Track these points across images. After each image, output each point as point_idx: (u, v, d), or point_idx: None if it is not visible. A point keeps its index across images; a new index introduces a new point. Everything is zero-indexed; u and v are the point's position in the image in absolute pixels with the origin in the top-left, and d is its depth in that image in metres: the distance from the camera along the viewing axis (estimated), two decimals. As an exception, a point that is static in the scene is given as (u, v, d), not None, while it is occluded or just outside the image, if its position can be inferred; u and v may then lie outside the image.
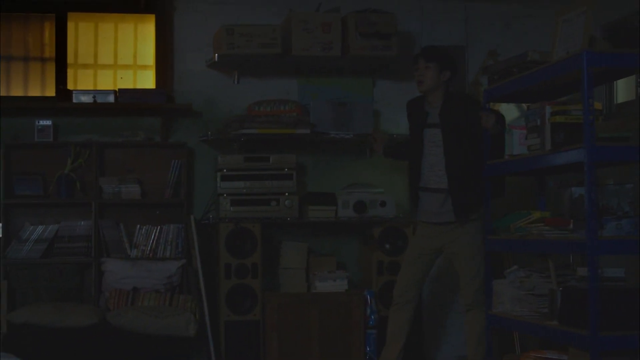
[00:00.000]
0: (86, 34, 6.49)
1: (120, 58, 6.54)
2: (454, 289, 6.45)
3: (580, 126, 4.30)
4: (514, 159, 4.96)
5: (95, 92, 6.18)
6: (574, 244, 4.35)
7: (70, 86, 6.34)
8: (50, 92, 6.37)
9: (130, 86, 6.44)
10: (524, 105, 6.75)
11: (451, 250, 5.36)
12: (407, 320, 5.41)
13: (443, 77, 5.31)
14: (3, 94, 6.36)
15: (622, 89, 6.48)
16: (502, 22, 6.81)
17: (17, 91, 6.41)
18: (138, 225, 6.18)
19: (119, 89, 6.23)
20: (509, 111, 6.62)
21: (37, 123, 6.12)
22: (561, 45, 4.61)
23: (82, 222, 6.12)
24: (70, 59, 6.40)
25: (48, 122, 6.14)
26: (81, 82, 6.45)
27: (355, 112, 6.31)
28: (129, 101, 6.17)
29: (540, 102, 4.72)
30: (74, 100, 6.14)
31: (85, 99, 6.14)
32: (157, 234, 6.18)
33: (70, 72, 6.39)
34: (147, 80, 6.51)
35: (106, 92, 6.19)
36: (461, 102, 5.40)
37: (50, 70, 6.39)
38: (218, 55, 6.10)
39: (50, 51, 6.41)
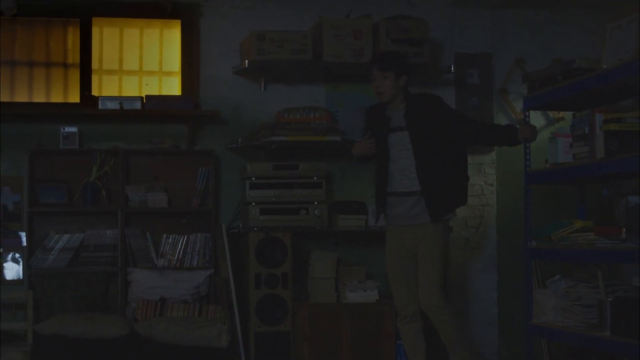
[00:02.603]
0: (111, 40, 6.38)
1: (145, 64, 6.43)
2: (467, 299, 6.43)
3: (635, 134, 4.26)
4: (558, 167, 4.89)
5: (122, 99, 6.07)
6: (629, 253, 4.29)
7: (94, 92, 6.22)
8: (74, 98, 6.25)
9: (155, 93, 6.33)
10: (550, 113, 6.74)
11: (419, 249, 5.12)
12: (419, 329, 5.24)
13: (401, 82, 5.14)
14: (25, 99, 6.25)
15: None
16: (529, 29, 6.75)
17: (39, 97, 6.29)
18: (165, 235, 6.06)
19: (146, 96, 6.12)
20: (535, 120, 6.56)
21: (62, 130, 6.01)
22: (611, 52, 4.56)
23: (108, 231, 6.00)
24: (94, 64, 6.29)
25: (74, 129, 6.02)
26: (105, 88, 6.34)
27: (384, 120, 6.23)
28: (155, 108, 6.06)
29: (587, 109, 4.67)
30: (100, 107, 6.02)
31: (112, 105, 6.02)
32: (184, 243, 6.07)
33: (94, 78, 6.28)
34: (173, 87, 6.40)
35: (133, 99, 6.08)
36: (425, 102, 5.22)
37: (73, 76, 6.28)
38: (248, 62, 6.00)
39: (73, 57, 6.29)
